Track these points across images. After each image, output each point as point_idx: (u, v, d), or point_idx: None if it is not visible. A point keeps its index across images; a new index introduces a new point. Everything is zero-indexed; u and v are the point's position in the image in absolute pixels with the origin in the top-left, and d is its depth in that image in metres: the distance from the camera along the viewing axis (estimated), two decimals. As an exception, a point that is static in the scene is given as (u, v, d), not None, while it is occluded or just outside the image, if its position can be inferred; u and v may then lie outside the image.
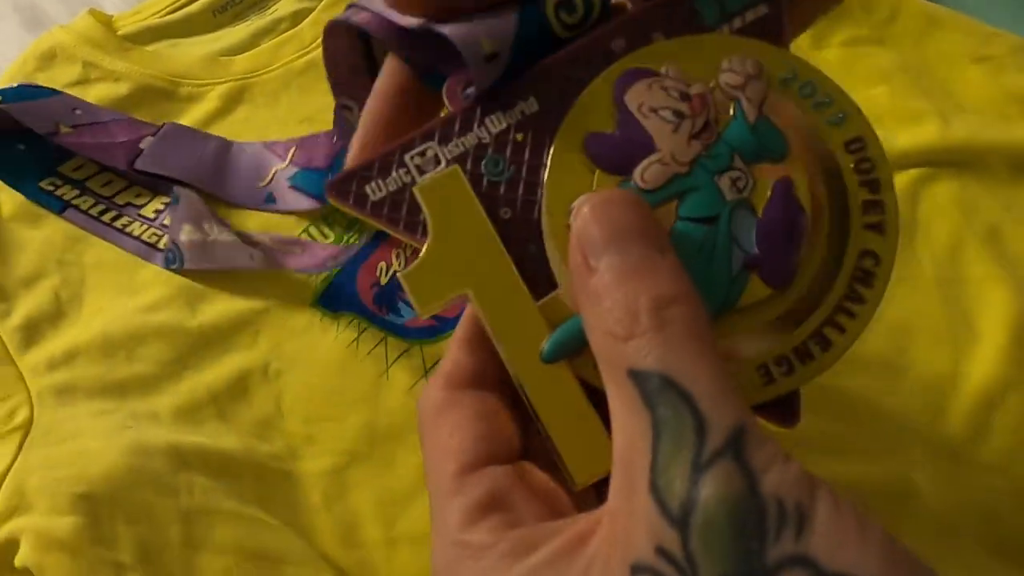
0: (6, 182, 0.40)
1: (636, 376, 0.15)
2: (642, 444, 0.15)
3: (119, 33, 0.47)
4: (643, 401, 0.15)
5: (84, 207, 0.40)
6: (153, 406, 0.34)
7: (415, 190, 0.18)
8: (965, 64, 0.42)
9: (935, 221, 0.39)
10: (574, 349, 0.18)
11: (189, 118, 0.45)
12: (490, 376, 0.18)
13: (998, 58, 0.41)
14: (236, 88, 0.46)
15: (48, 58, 0.46)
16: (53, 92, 0.42)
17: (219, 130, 0.45)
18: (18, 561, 0.28)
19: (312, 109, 0.45)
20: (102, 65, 0.45)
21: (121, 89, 0.45)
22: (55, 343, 0.36)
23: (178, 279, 0.39)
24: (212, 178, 0.41)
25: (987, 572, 0.31)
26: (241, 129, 0.45)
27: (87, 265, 0.40)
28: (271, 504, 0.32)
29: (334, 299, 0.39)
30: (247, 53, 0.47)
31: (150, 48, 0.47)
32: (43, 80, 0.45)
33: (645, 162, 0.18)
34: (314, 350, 0.37)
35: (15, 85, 0.42)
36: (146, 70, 0.45)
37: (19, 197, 0.41)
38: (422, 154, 0.19)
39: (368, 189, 0.19)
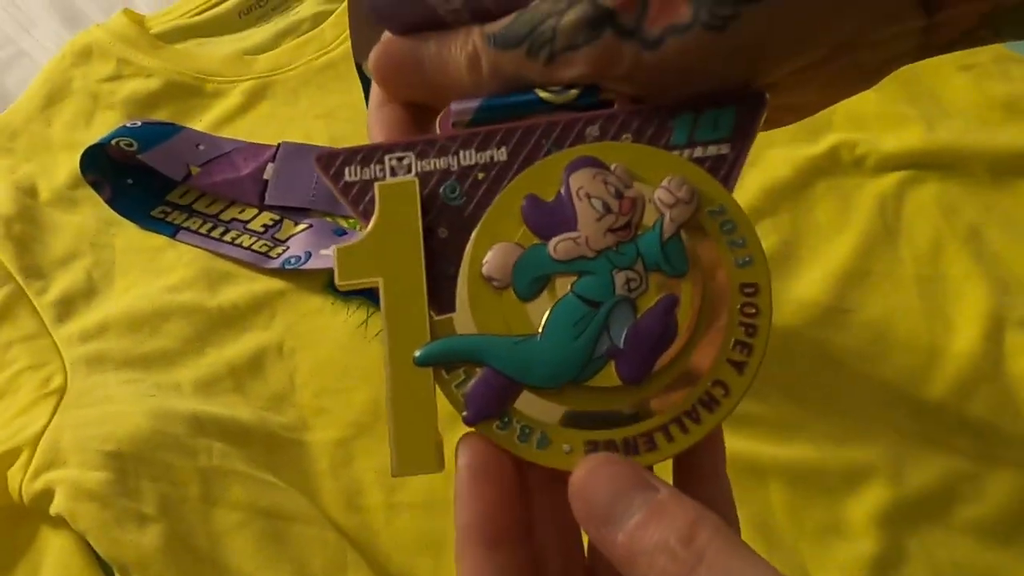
0: (122, 215, 0.44)
1: None
2: None
3: (151, 32, 0.50)
4: None
5: (194, 227, 0.44)
6: (175, 378, 0.37)
7: (376, 185, 0.21)
8: (950, 71, 0.43)
9: (918, 222, 0.41)
10: (443, 362, 0.20)
11: (214, 113, 0.48)
12: None
13: (982, 66, 0.43)
14: (259, 85, 0.48)
15: (85, 54, 0.49)
16: (174, 128, 0.46)
17: (243, 124, 0.47)
18: (53, 509, 0.31)
19: (330, 106, 0.48)
20: (135, 62, 0.49)
21: (152, 84, 0.48)
22: (87, 317, 0.39)
23: (200, 263, 0.42)
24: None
25: (954, 549, 0.33)
26: (263, 124, 0.47)
27: (117, 248, 0.43)
28: (282, 469, 0.34)
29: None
30: (270, 52, 0.50)
31: (179, 46, 0.50)
32: (79, 75, 0.49)
33: (563, 236, 0.20)
34: (326, 331, 0.40)
35: (139, 124, 0.45)
36: (175, 67, 0.48)
37: (56, 182, 0.44)
38: (399, 159, 0.22)
39: (347, 171, 0.22)
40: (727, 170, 0.21)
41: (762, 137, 0.48)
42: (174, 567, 0.29)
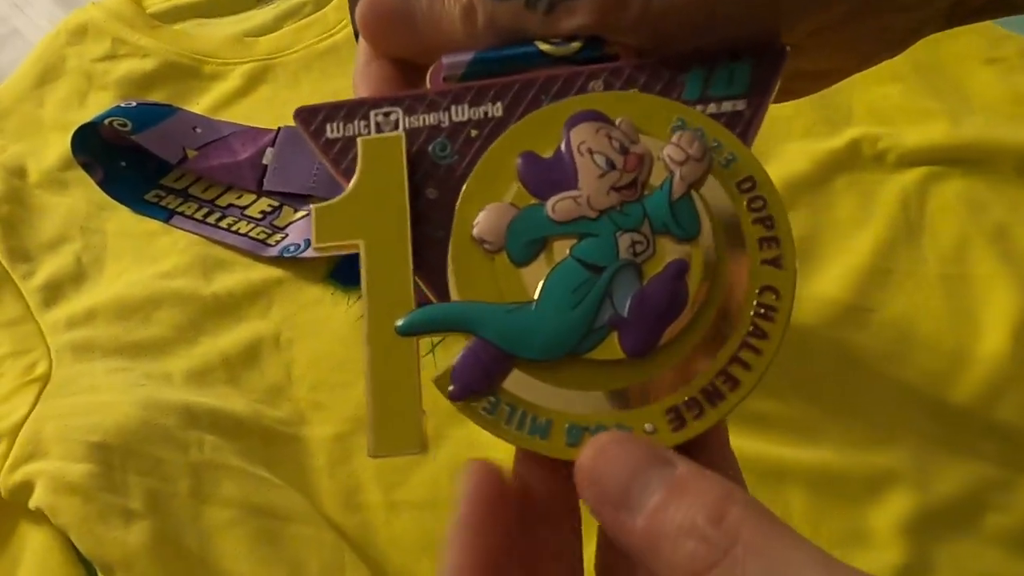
0: (114, 198, 0.42)
1: None
2: None
3: (148, 11, 0.48)
4: None
5: (189, 212, 0.42)
6: (166, 368, 0.35)
7: (359, 140, 0.19)
8: (976, 65, 0.42)
9: (942, 219, 0.39)
10: (426, 332, 0.18)
11: (212, 96, 0.46)
12: None
13: (1009, 60, 0.42)
14: (259, 68, 0.47)
15: (80, 33, 0.47)
16: (170, 109, 0.44)
17: (241, 108, 0.46)
18: (32, 503, 0.29)
19: (332, 90, 0.46)
20: (131, 41, 0.47)
21: (148, 65, 0.46)
22: (75, 304, 0.37)
23: (195, 249, 0.40)
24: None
25: (983, 560, 0.31)
26: (262, 108, 0.46)
27: (109, 232, 0.41)
28: (277, 465, 0.33)
29: (346, 274, 0.40)
30: (271, 35, 0.48)
31: (177, 27, 0.48)
32: (73, 54, 0.47)
33: (562, 195, 0.18)
34: (325, 322, 0.38)
35: (133, 104, 0.43)
36: (172, 47, 0.47)
37: (47, 163, 0.43)
38: (386, 115, 0.20)
39: (329, 127, 0.20)
40: (743, 128, 0.19)
41: (779, 129, 0.47)
42: (161, 567, 0.27)
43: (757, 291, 0.18)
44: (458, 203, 0.19)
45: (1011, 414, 0.34)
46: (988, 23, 0.43)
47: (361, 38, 0.22)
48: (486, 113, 0.20)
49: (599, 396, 0.18)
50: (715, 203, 0.19)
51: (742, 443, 0.33)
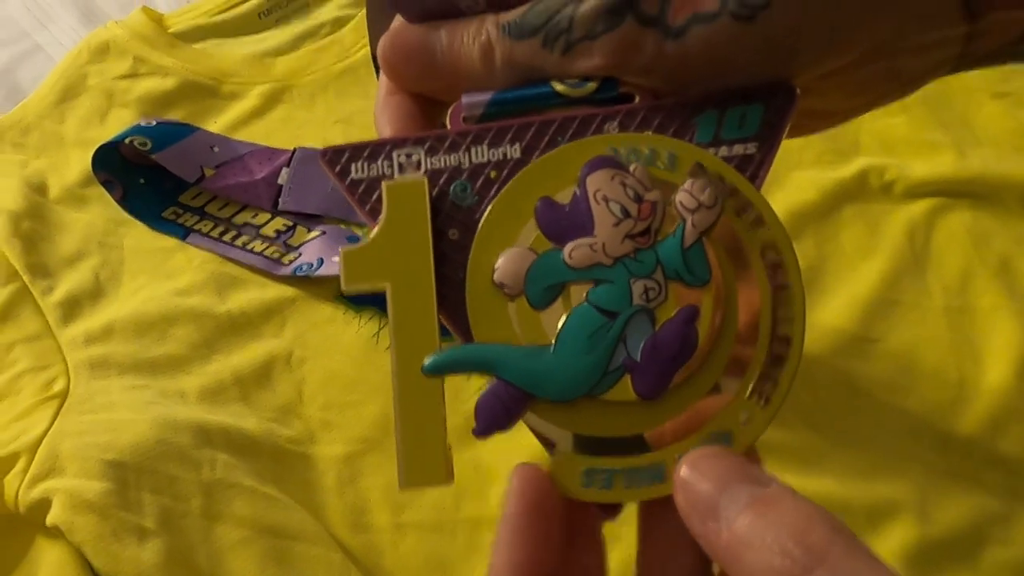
0: (132, 215, 0.43)
1: None
2: None
3: (169, 31, 0.49)
4: None
5: (205, 230, 0.43)
6: (181, 385, 0.36)
7: (384, 184, 0.20)
8: (984, 99, 0.43)
9: (948, 251, 0.40)
10: (451, 372, 0.19)
11: (230, 115, 0.47)
12: None
13: (1017, 94, 0.42)
14: (276, 88, 0.48)
15: (102, 51, 0.48)
16: (189, 128, 0.45)
17: (258, 127, 0.47)
18: (49, 519, 0.30)
19: (348, 112, 0.47)
20: (151, 60, 0.48)
21: (168, 84, 0.47)
22: (93, 320, 0.38)
23: (210, 266, 0.41)
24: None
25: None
26: (279, 128, 0.47)
27: (127, 248, 0.42)
28: (287, 484, 0.33)
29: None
30: (289, 55, 0.49)
31: (197, 46, 0.49)
32: (95, 72, 0.48)
33: (578, 242, 0.19)
34: (337, 341, 0.39)
35: (153, 123, 0.44)
36: (192, 67, 0.48)
37: (67, 179, 0.44)
38: (408, 156, 0.21)
39: (354, 167, 0.21)
40: (753, 170, 0.20)
41: (787, 158, 0.47)
42: (173, 586, 0.28)
43: (768, 340, 0.19)
44: (473, 246, 0.20)
45: (1014, 446, 0.35)
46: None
47: (383, 73, 0.22)
48: (505, 155, 0.20)
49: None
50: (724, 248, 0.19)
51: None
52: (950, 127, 0.42)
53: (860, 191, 0.41)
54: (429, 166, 0.20)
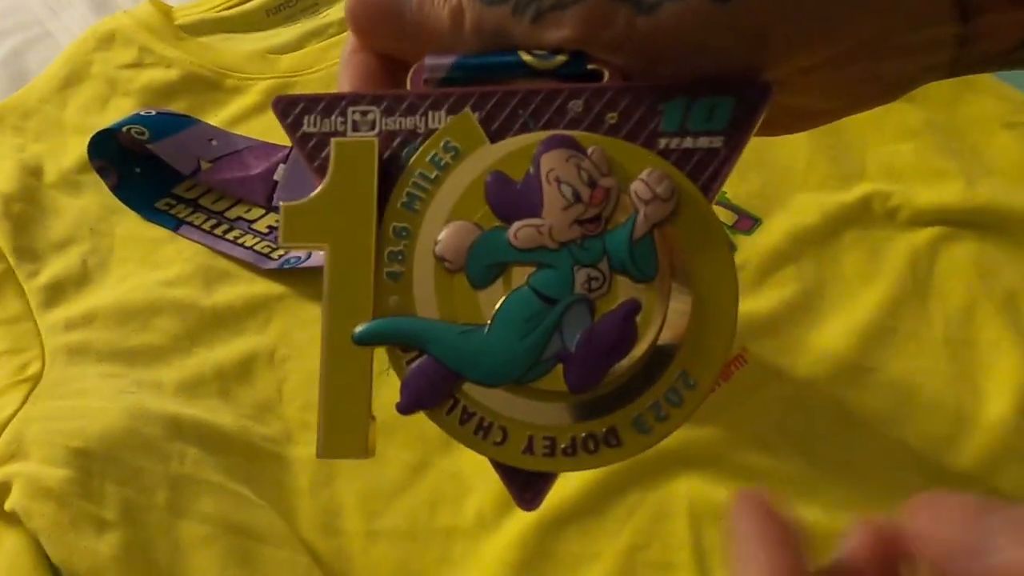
0: (125, 204, 0.42)
1: None
2: None
3: (176, 23, 0.49)
4: None
5: (197, 223, 0.42)
6: (158, 376, 0.35)
7: (333, 141, 0.19)
8: (995, 128, 0.42)
9: (951, 281, 0.39)
10: (381, 342, 0.19)
11: (231, 109, 0.47)
12: None
13: (1029, 125, 0.41)
14: (279, 85, 0.47)
15: (107, 39, 0.48)
16: (188, 120, 0.44)
17: (258, 123, 0.46)
18: (8, 504, 0.29)
19: (349, 112, 0.46)
20: (156, 51, 0.48)
21: (171, 75, 0.47)
22: (76, 306, 0.37)
23: (199, 259, 0.40)
24: None
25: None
26: (279, 125, 0.46)
27: (117, 236, 0.42)
28: (258, 484, 0.32)
29: (346, 294, 0.40)
30: (294, 53, 0.49)
31: (203, 40, 0.49)
32: (99, 60, 0.48)
33: (525, 222, 0.18)
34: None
35: (153, 113, 0.43)
36: (196, 59, 0.47)
37: (64, 165, 0.43)
38: (363, 114, 0.20)
39: (306, 119, 0.20)
40: (716, 167, 0.19)
41: (791, 180, 0.46)
42: (128, 580, 0.27)
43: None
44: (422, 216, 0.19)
45: (1011, 485, 0.33)
46: (1010, 87, 0.43)
47: (348, 30, 0.22)
48: None
49: (561, 408, 0.19)
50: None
51: (733, 494, 0.33)
52: (959, 155, 0.41)
53: (863, 216, 0.41)
54: (384, 127, 0.20)
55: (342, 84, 0.21)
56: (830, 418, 0.35)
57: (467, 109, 0.20)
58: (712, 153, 0.19)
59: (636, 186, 0.18)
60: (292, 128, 0.20)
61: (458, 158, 0.19)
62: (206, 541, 0.29)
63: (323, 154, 0.20)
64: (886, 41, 0.19)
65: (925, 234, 0.40)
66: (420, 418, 0.19)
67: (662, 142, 0.19)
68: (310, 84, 0.47)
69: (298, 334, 0.38)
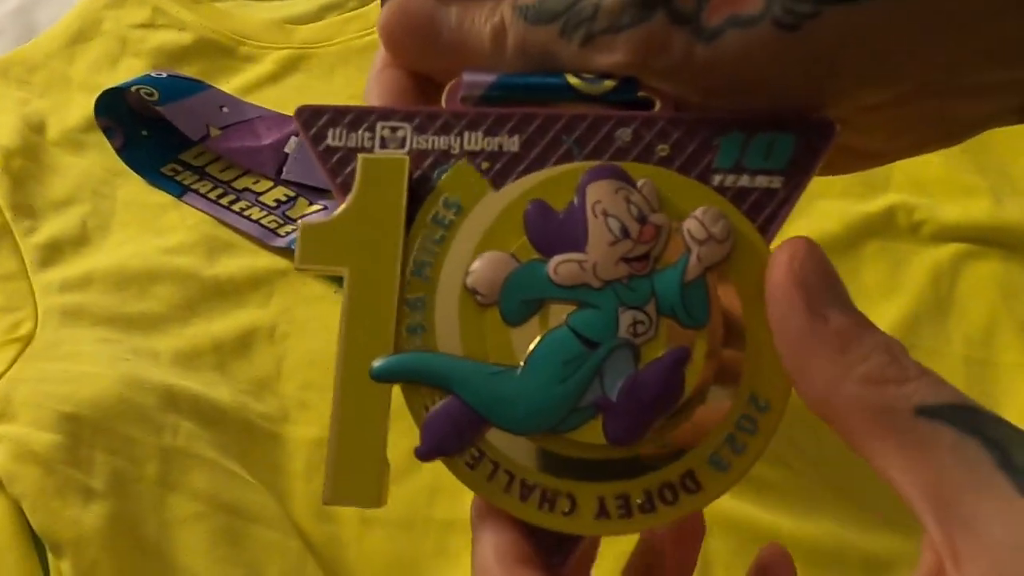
0: (130, 166, 0.41)
1: (932, 412, 0.15)
2: (976, 471, 0.15)
3: (193, -15, 0.48)
4: (959, 431, 0.15)
5: (203, 191, 0.41)
6: (155, 345, 0.34)
7: (360, 157, 0.18)
8: (1026, 146, 0.41)
9: (973, 300, 0.38)
10: (402, 380, 0.17)
11: (244, 77, 0.45)
12: None
13: (1061, 146, 0.41)
14: (295, 55, 0.46)
15: (120, -3, 0.47)
16: (200, 85, 0.43)
17: (271, 93, 0.45)
18: (-9, 468, 0.28)
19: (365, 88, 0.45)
20: (171, 13, 0.46)
21: (184, 39, 0.46)
22: (73, 267, 0.36)
23: (203, 228, 0.39)
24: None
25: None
26: (292, 96, 0.45)
27: (119, 200, 0.40)
28: (252, 463, 0.31)
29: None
30: (312, 24, 0.47)
31: (219, 4, 0.48)
32: (111, 17, 0.46)
33: (567, 256, 0.17)
34: (323, 320, 0.37)
35: (164, 75, 0.42)
36: (211, 24, 0.46)
37: (68, 122, 0.42)
38: (393, 130, 0.18)
39: (331, 132, 0.18)
40: (774, 208, 0.17)
41: (814, 186, 0.45)
42: (113, 553, 0.26)
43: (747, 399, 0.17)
44: (452, 243, 0.18)
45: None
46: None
47: (380, 46, 0.20)
48: (500, 146, 0.18)
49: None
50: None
51: (741, 505, 0.32)
52: (987, 172, 0.40)
53: (886, 228, 0.40)
54: (415, 145, 0.18)
55: (370, 101, 0.20)
56: (838, 437, 0.35)
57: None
58: (770, 194, 0.18)
59: (690, 224, 0.17)
60: (315, 141, 0.18)
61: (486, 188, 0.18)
62: (196, 518, 0.28)
63: (347, 170, 0.18)
64: (956, 80, 0.18)
65: (949, 250, 0.39)
66: None
67: (716, 179, 0.18)
68: (326, 57, 0.46)
69: (300, 311, 0.37)
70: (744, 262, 0.17)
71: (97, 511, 0.26)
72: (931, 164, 0.41)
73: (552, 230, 0.17)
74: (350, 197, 0.18)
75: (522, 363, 0.17)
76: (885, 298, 0.38)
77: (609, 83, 0.18)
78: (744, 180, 0.18)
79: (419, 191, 0.18)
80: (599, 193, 0.17)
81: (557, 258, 0.17)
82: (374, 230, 0.17)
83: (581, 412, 0.17)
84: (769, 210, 0.17)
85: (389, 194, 0.18)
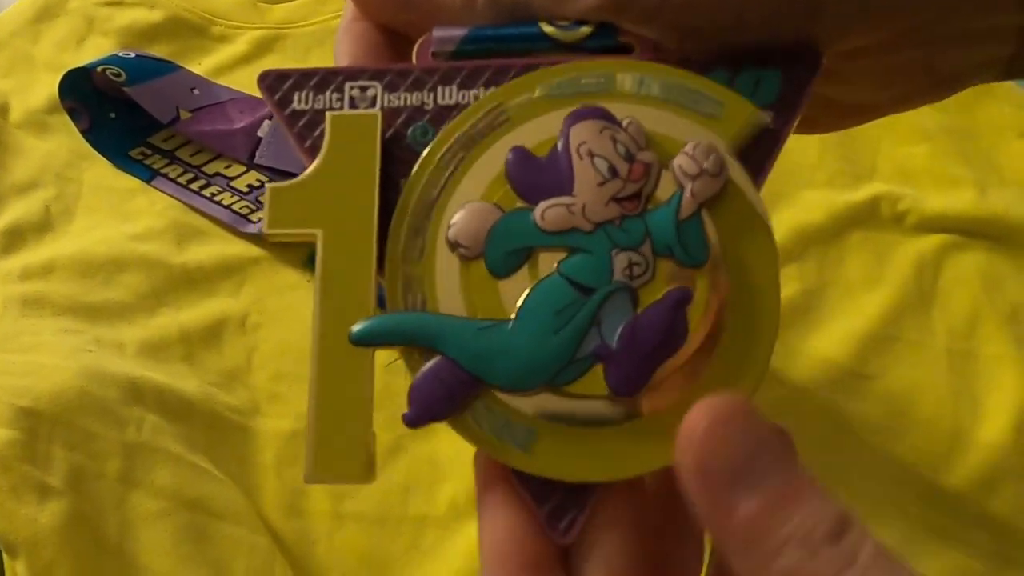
0: (96, 149, 0.40)
1: None
2: None
3: (163, -39, 0.46)
4: None
5: (173, 175, 0.40)
6: (120, 335, 0.33)
7: (329, 115, 0.17)
8: (1011, 137, 0.40)
9: (956, 291, 0.37)
10: (384, 343, 0.16)
11: (216, 58, 0.44)
12: None
13: (1047, 137, 0.40)
14: (269, 36, 0.45)
15: (88, -27, 0.45)
16: (170, 66, 0.42)
17: (244, 75, 0.44)
18: (-57, 464, 0.27)
19: (342, 70, 0.44)
20: (140, -11, 0.45)
21: (154, 16, 0.44)
22: (34, 254, 0.35)
23: (172, 214, 0.38)
24: None
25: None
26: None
27: (85, 184, 0.39)
28: (220, 457, 0.30)
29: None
30: (287, 3, 0.46)
31: (191, -19, 0.46)
32: (78, -7, 0.45)
33: (554, 201, 0.16)
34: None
35: (132, 55, 0.41)
36: (182, 3, 0.45)
37: (32, 103, 0.41)
38: (363, 89, 0.18)
39: (297, 96, 0.18)
40: (767, 147, 0.17)
41: (799, 176, 0.45)
42: (71, 553, 0.25)
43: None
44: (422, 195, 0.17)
45: (1005, 507, 0.32)
46: (1029, 96, 0.42)
47: None
48: (476, 98, 0.18)
49: (599, 404, 0.16)
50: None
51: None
52: (973, 163, 0.40)
53: (870, 218, 0.39)
54: (386, 103, 0.18)
55: (339, 56, 0.19)
56: (822, 425, 0.34)
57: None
58: (761, 130, 0.17)
59: (681, 160, 0.16)
60: (280, 105, 0.18)
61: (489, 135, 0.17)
62: (159, 515, 0.27)
63: (316, 134, 0.17)
64: (943, 25, 0.17)
65: (932, 241, 0.38)
66: (398, 395, 0.16)
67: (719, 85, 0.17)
68: (302, 38, 0.45)
69: (273, 300, 0.36)
70: (731, 201, 0.16)
71: (54, 509, 0.25)
72: (917, 155, 0.41)
73: (536, 175, 0.16)
74: (320, 156, 0.17)
75: (513, 316, 0.16)
76: (868, 290, 0.38)
77: (586, 29, 0.17)
78: None
79: (391, 149, 0.17)
80: (583, 134, 0.16)
81: (543, 204, 0.16)
82: (347, 189, 0.17)
83: (580, 363, 0.16)
84: (761, 148, 0.17)
85: (361, 152, 0.17)
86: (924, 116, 0.41)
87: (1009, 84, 0.42)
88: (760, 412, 0.14)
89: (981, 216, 0.38)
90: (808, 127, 0.20)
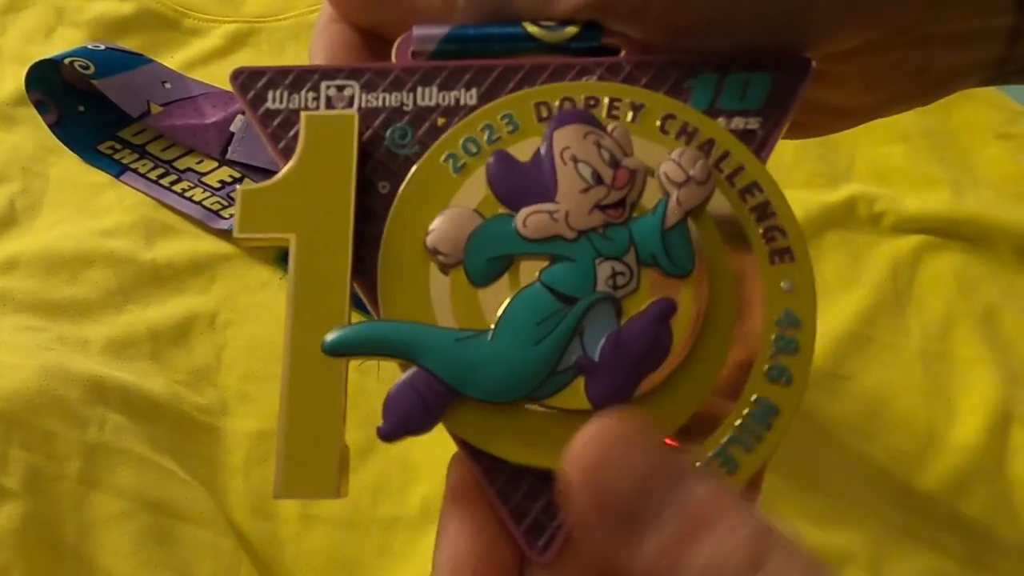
0: (64, 143, 0.39)
1: None
2: None
3: (135, -48, 0.45)
4: None
5: (143, 171, 0.39)
6: (84, 333, 0.32)
7: (303, 115, 0.17)
8: (988, 138, 0.41)
9: (932, 292, 0.37)
10: (358, 353, 0.16)
11: (189, 52, 0.43)
12: None
13: (1021, 138, 0.40)
14: (243, 30, 0.44)
15: (57, -36, 0.44)
16: (140, 59, 0.41)
17: (218, 69, 0.43)
18: None
19: (317, 65, 0.43)
20: (111, -20, 0.44)
21: (125, 9, 0.43)
22: (-3, 249, 0.34)
23: (141, 210, 0.37)
24: None
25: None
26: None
27: (52, 178, 0.38)
28: (186, 458, 0.30)
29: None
30: (262, -3, 0.45)
31: (164, -27, 0.45)
32: (47, -16, 0.44)
33: (536, 208, 0.16)
34: (268, 308, 0.35)
35: (102, 47, 0.40)
36: (155, -6, 0.44)
37: (-4, 96, 0.40)
38: (340, 88, 0.17)
39: (271, 94, 0.17)
40: (754, 150, 0.17)
41: (776, 176, 0.45)
42: (26, 557, 0.24)
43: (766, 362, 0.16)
44: (400, 198, 0.17)
45: (978, 509, 0.32)
46: (1006, 97, 0.42)
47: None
48: (457, 100, 0.17)
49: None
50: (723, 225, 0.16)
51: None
52: (949, 164, 0.40)
53: (847, 219, 0.39)
54: (364, 103, 0.17)
55: (315, 57, 0.19)
56: (798, 425, 0.34)
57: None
58: (748, 135, 0.17)
59: (667, 167, 0.16)
60: (254, 104, 0.17)
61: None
62: (120, 517, 0.26)
63: (290, 134, 0.17)
64: (934, 26, 0.17)
65: (908, 242, 0.38)
66: (370, 395, 0.16)
67: (705, 116, 0.17)
68: (277, 32, 0.44)
69: (244, 298, 0.36)
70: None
71: (9, 512, 0.24)
72: (894, 155, 0.41)
73: (518, 181, 0.16)
74: (294, 158, 0.16)
75: (492, 326, 0.15)
76: (844, 290, 0.37)
77: (571, 29, 0.17)
78: (721, 123, 0.17)
79: (369, 150, 0.17)
80: (567, 139, 0.16)
81: (525, 210, 0.16)
82: (322, 192, 0.16)
83: (561, 376, 0.15)
84: (750, 150, 0.17)
85: (337, 153, 0.16)
86: (901, 117, 0.41)
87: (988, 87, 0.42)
88: (651, 428, 0.13)
89: (957, 217, 0.38)
90: (798, 132, 0.19)
